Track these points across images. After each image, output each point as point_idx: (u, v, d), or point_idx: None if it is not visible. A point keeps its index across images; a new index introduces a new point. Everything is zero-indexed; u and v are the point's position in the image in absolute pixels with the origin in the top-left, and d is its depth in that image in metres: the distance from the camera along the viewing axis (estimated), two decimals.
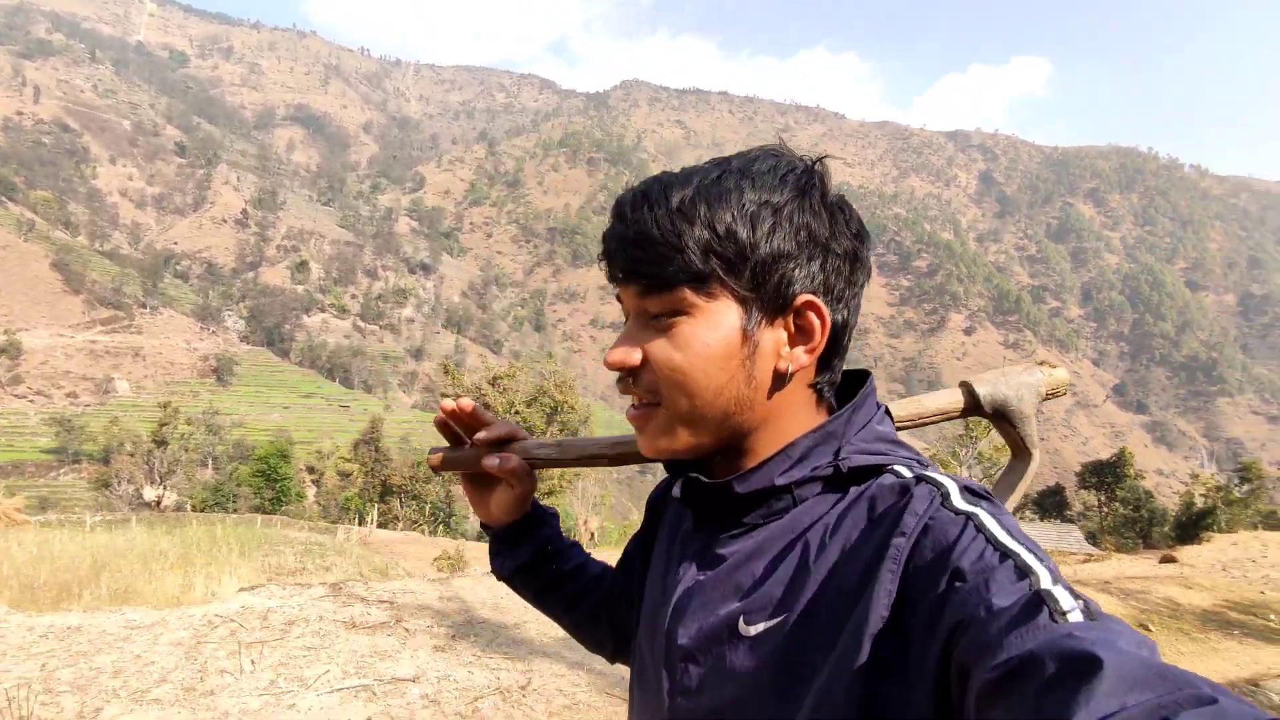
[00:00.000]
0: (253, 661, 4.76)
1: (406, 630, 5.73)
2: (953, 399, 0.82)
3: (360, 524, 31.58)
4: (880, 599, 0.50)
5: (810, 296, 0.59)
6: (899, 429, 0.70)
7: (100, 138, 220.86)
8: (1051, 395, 0.88)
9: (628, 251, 0.59)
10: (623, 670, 3.01)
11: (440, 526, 37.13)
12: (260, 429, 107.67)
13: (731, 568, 0.61)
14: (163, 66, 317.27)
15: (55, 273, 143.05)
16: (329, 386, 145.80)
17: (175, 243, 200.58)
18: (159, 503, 35.39)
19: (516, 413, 27.93)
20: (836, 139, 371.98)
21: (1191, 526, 27.14)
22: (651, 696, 0.66)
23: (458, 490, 39.84)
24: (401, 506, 39.58)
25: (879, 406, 0.65)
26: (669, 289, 0.58)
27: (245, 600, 6.51)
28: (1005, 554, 0.47)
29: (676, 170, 0.62)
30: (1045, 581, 0.44)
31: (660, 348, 0.60)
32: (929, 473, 0.57)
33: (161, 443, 37.53)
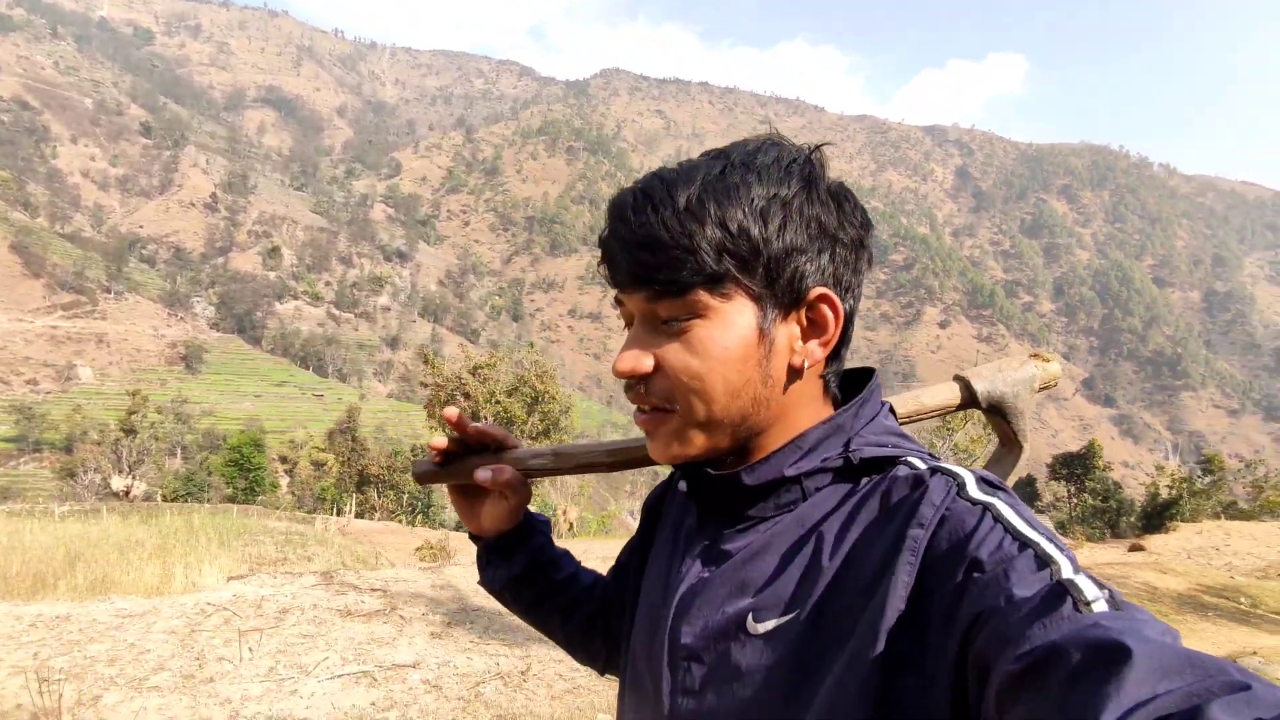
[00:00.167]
0: (250, 649, 4.73)
1: (402, 618, 5.72)
2: (950, 394, 0.83)
3: (337, 514, 31.29)
4: (897, 590, 0.49)
5: (823, 289, 0.59)
6: (900, 424, 0.68)
7: (61, 116, 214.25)
8: (1045, 389, 0.88)
9: (634, 255, 0.57)
10: None
11: (419, 516, 36.90)
12: (231, 418, 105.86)
13: (739, 563, 0.60)
14: (127, 44, 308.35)
15: (14, 255, 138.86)
16: (302, 375, 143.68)
17: (140, 226, 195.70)
18: (127, 492, 34.68)
19: (497, 402, 27.77)
20: (816, 132, 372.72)
21: (1157, 516, 27.91)
22: (648, 699, 0.64)
23: None
24: (379, 496, 39.26)
25: (883, 403, 0.64)
26: (682, 293, 0.56)
27: (237, 589, 6.46)
28: (1025, 544, 0.46)
29: (672, 165, 0.60)
30: (1067, 571, 0.44)
31: (676, 353, 0.58)
32: (944, 464, 0.57)
33: (130, 431, 36.74)
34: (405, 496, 39.45)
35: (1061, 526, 32.78)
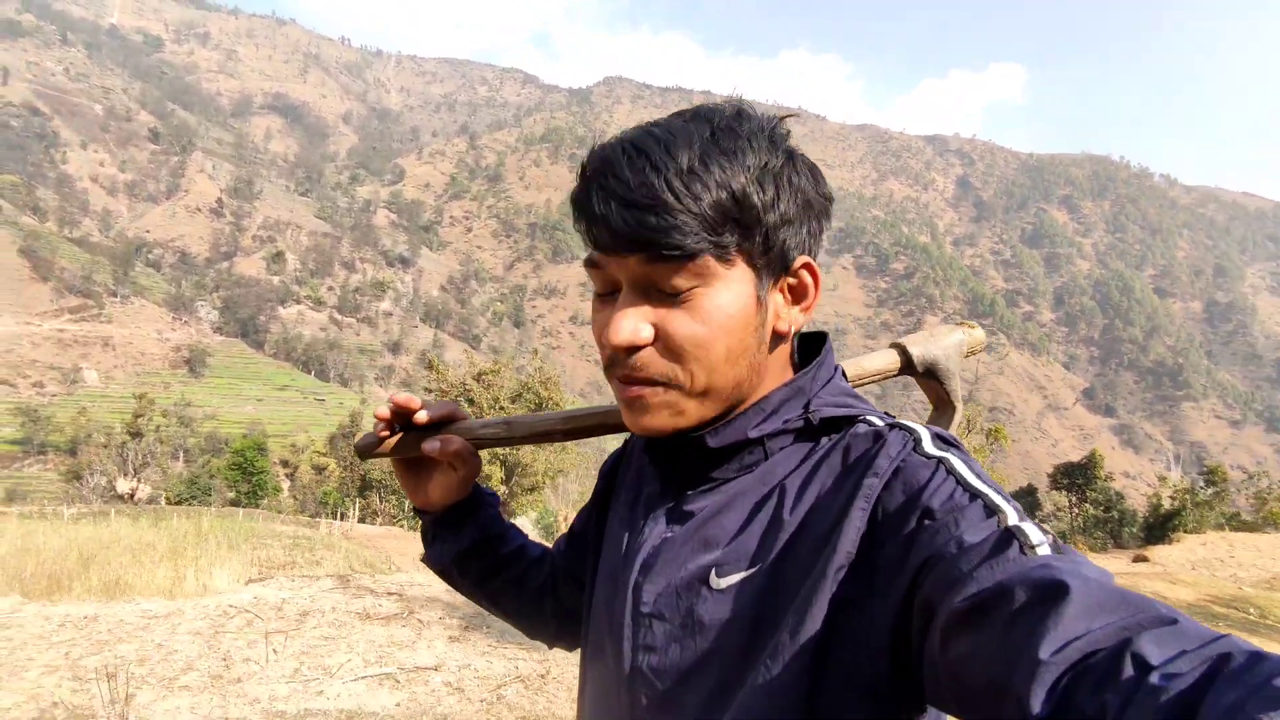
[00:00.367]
0: (275, 650, 4.83)
1: (420, 621, 5.82)
2: (889, 359, 0.86)
3: (341, 519, 31.37)
4: (849, 535, 0.52)
5: (807, 258, 0.60)
6: None
7: (71, 122, 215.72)
8: (971, 353, 0.93)
9: (634, 216, 0.53)
10: None
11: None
12: (233, 421, 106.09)
13: (701, 522, 0.61)
14: (137, 51, 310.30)
15: (22, 259, 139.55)
16: (304, 379, 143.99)
17: (147, 231, 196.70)
18: (132, 495, 34.82)
19: (501, 408, 27.88)
20: (818, 141, 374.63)
21: (1160, 528, 27.92)
22: (610, 659, 0.64)
23: None
24: (381, 501, 39.34)
25: (836, 365, 0.66)
26: (690, 258, 0.54)
27: (257, 591, 6.56)
28: (974, 494, 0.49)
29: (650, 126, 0.58)
30: (1013, 518, 0.46)
31: (680, 322, 0.56)
32: (901, 421, 0.59)
33: (136, 434, 36.89)
34: (408, 502, 39.51)
35: (1063, 536, 32.76)
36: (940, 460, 0.53)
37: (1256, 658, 0.31)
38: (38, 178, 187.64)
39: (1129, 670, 0.33)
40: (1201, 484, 33.32)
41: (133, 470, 35.31)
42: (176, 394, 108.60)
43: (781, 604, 0.53)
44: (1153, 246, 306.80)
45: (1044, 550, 0.43)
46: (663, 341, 0.57)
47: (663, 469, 0.66)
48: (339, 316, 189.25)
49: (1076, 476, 37.12)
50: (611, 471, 0.81)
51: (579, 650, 0.77)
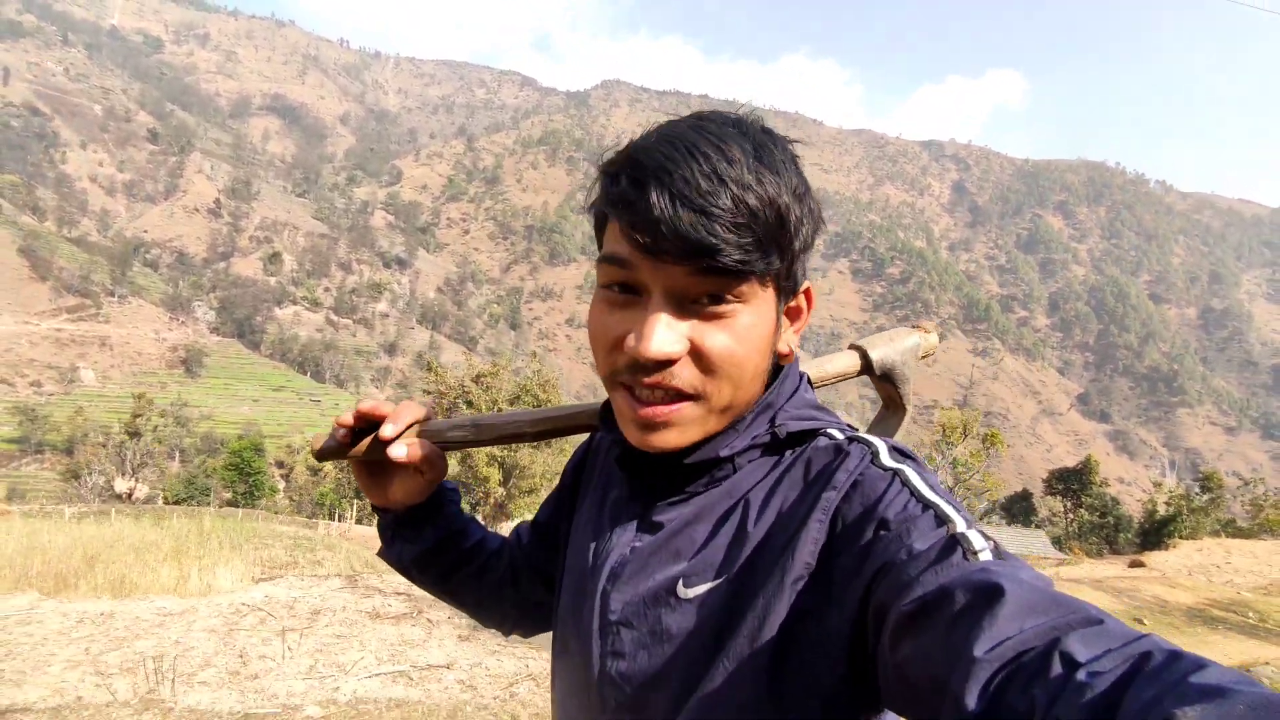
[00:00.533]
0: (290, 648, 4.91)
1: (429, 621, 5.91)
2: (850, 361, 0.87)
3: (338, 520, 31.40)
4: (806, 547, 0.54)
5: (808, 282, 0.62)
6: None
7: (71, 122, 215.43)
8: (925, 356, 0.95)
9: (704, 225, 0.51)
10: None
11: None
12: (229, 422, 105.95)
13: (670, 533, 0.62)
14: (137, 52, 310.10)
15: (21, 259, 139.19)
16: (300, 380, 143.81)
17: (145, 231, 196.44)
18: (130, 495, 34.78)
19: (500, 410, 28.01)
20: (815, 145, 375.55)
21: (1155, 533, 28.08)
22: (578, 663, 0.65)
23: None
24: None
25: (802, 375, 0.67)
26: (741, 276, 0.54)
27: (267, 590, 6.64)
28: (927, 505, 0.51)
29: (697, 128, 0.56)
30: (961, 526, 0.48)
31: (718, 339, 0.56)
32: (860, 434, 0.61)
33: (135, 434, 36.85)
34: None
35: (1058, 542, 32.86)
36: (896, 472, 0.54)
37: (1175, 656, 0.33)
38: (37, 177, 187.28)
39: (1057, 668, 0.35)
40: (1197, 490, 33.47)
41: (131, 470, 35.26)
42: (173, 394, 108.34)
43: (743, 613, 0.55)
44: (1148, 252, 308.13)
45: (985, 556, 0.46)
46: (697, 356, 0.56)
47: (631, 477, 0.67)
48: (335, 317, 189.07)
49: (1072, 482, 37.28)
50: (577, 468, 0.81)
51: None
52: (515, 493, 28.71)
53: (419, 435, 0.74)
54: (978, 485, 30.62)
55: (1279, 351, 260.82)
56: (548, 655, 6.18)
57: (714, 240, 0.52)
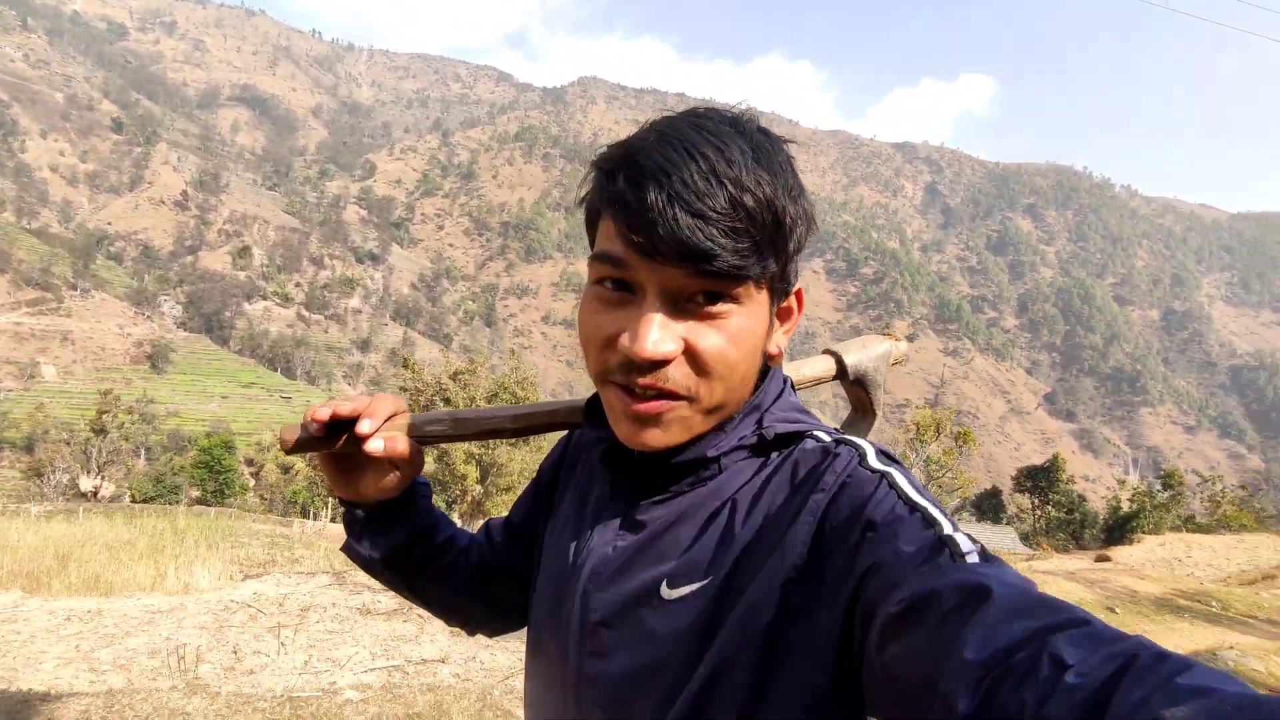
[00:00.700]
0: (283, 644, 4.91)
1: (420, 617, 5.93)
2: (825, 366, 0.89)
3: (313, 518, 31.04)
4: (795, 548, 0.54)
5: (799, 285, 0.62)
6: None
7: (31, 110, 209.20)
8: (896, 363, 0.96)
9: (702, 228, 0.51)
10: None
11: None
12: (196, 419, 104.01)
13: (654, 533, 0.61)
14: (100, 39, 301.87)
15: None
16: (270, 377, 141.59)
17: (109, 223, 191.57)
18: (96, 493, 34.00)
19: (477, 407, 27.90)
20: (790, 146, 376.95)
21: (1119, 529, 28.88)
22: (555, 663, 0.65)
23: None
24: None
25: (786, 378, 0.67)
26: (738, 279, 0.54)
27: (256, 587, 6.61)
28: (914, 508, 0.51)
29: (695, 127, 0.55)
30: (947, 529, 0.49)
31: (713, 340, 0.56)
32: (846, 437, 0.60)
33: (101, 431, 36.03)
34: None
35: (1026, 538, 33.61)
36: (883, 475, 0.54)
37: (1161, 657, 0.34)
38: None
39: (1046, 669, 0.35)
40: (1159, 487, 34.48)
41: (97, 468, 34.47)
42: (138, 390, 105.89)
43: (731, 615, 0.54)
44: (1113, 255, 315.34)
45: (972, 558, 0.46)
46: (690, 357, 0.56)
47: (615, 475, 0.66)
48: (307, 313, 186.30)
49: (1039, 479, 38.12)
50: (555, 466, 0.80)
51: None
52: (493, 490, 28.64)
53: (395, 429, 0.71)
54: (950, 483, 31.19)
55: (1236, 353, 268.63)
56: None
57: (711, 244, 0.51)
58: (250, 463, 68.53)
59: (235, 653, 4.68)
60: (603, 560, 0.63)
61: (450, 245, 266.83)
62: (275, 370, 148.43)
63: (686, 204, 0.51)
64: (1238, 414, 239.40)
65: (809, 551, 0.53)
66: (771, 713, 0.52)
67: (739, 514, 0.58)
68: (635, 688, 0.58)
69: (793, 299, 0.62)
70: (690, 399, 0.57)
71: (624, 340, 0.55)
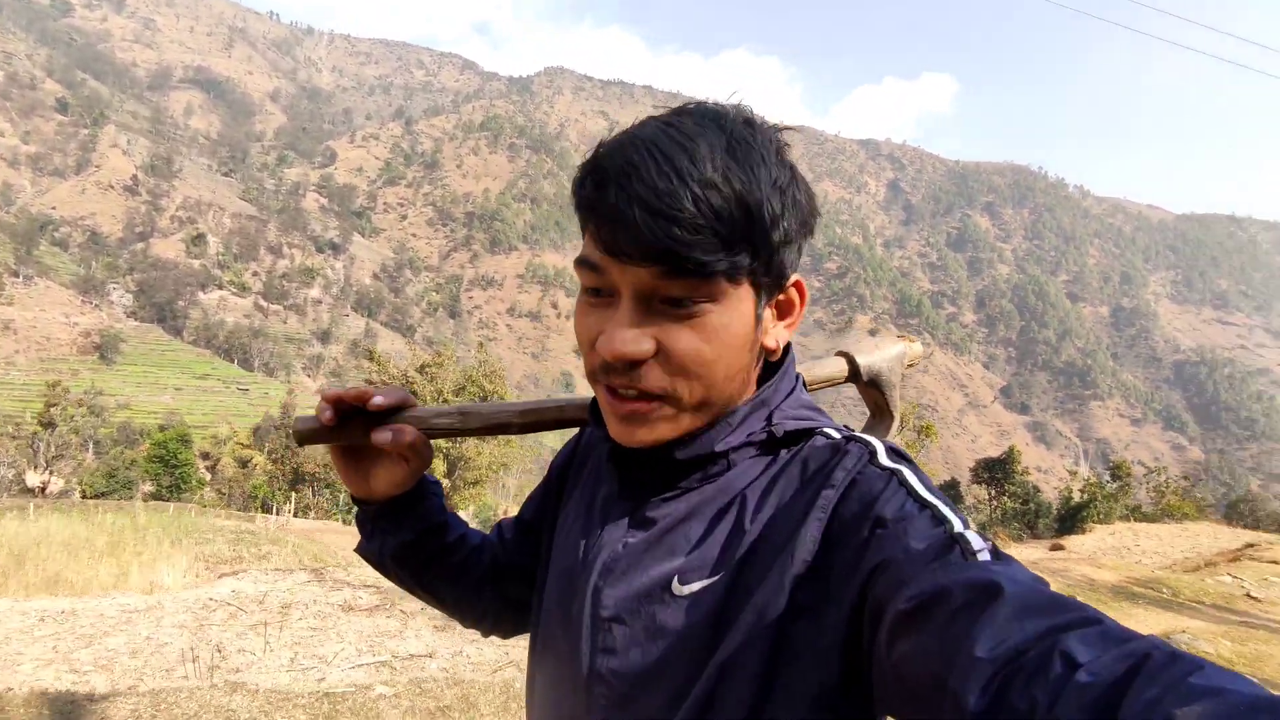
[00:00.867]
0: (268, 642, 4.88)
1: (403, 612, 5.93)
2: (838, 367, 0.89)
3: (271, 512, 30.45)
4: (805, 545, 0.53)
5: (797, 275, 0.61)
6: None
7: None
8: (910, 365, 0.96)
9: (662, 228, 0.51)
10: None
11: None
12: (149, 411, 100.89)
13: (664, 530, 0.61)
14: (43, 15, 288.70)
15: None
16: (226, 368, 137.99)
17: (53, 208, 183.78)
18: (44, 489, 32.84)
19: (445, 401, 27.59)
20: None
21: (1071, 519, 29.87)
22: (565, 660, 0.65)
23: None
24: (314, 495, 38.29)
25: (798, 376, 0.67)
26: (706, 277, 0.53)
27: (233, 585, 6.53)
28: (924, 505, 0.51)
29: (666, 126, 0.55)
30: (958, 527, 0.49)
31: (685, 339, 0.55)
32: (857, 434, 0.60)
33: (49, 424, 34.75)
34: (342, 496, 38.63)
35: (983, 528, 34.61)
36: (893, 472, 0.54)
37: (1174, 657, 0.33)
38: None
39: (1058, 668, 0.35)
40: (1108, 478, 35.70)
41: (45, 463, 33.26)
42: (86, 381, 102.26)
43: (739, 611, 0.54)
44: (1066, 253, 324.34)
45: (984, 556, 0.46)
46: (664, 356, 0.56)
47: (622, 472, 0.66)
48: (265, 303, 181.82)
49: (996, 471, 39.17)
50: (564, 465, 0.80)
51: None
52: (460, 484, 28.43)
53: (402, 420, 0.71)
54: None
55: (1179, 349, 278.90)
56: (525, 642, 6.26)
57: (671, 242, 0.51)
58: (206, 456, 66.82)
59: (220, 651, 4.64)
60: (613, 557, 0.63)
61: (414, 235, 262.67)
62: (232, 361, 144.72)
63: (645, 204, 0.51)
64: (1180, 407, 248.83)
65: (818, 549, 0.53)
66: (780, 710, 0.52)
67: (748, 510, 0.58)
68: (647, 683, 0.58)
69: (792, 291, 0.61)
70: (668, 398, 0.57)
71: (600, 342, 0.57)
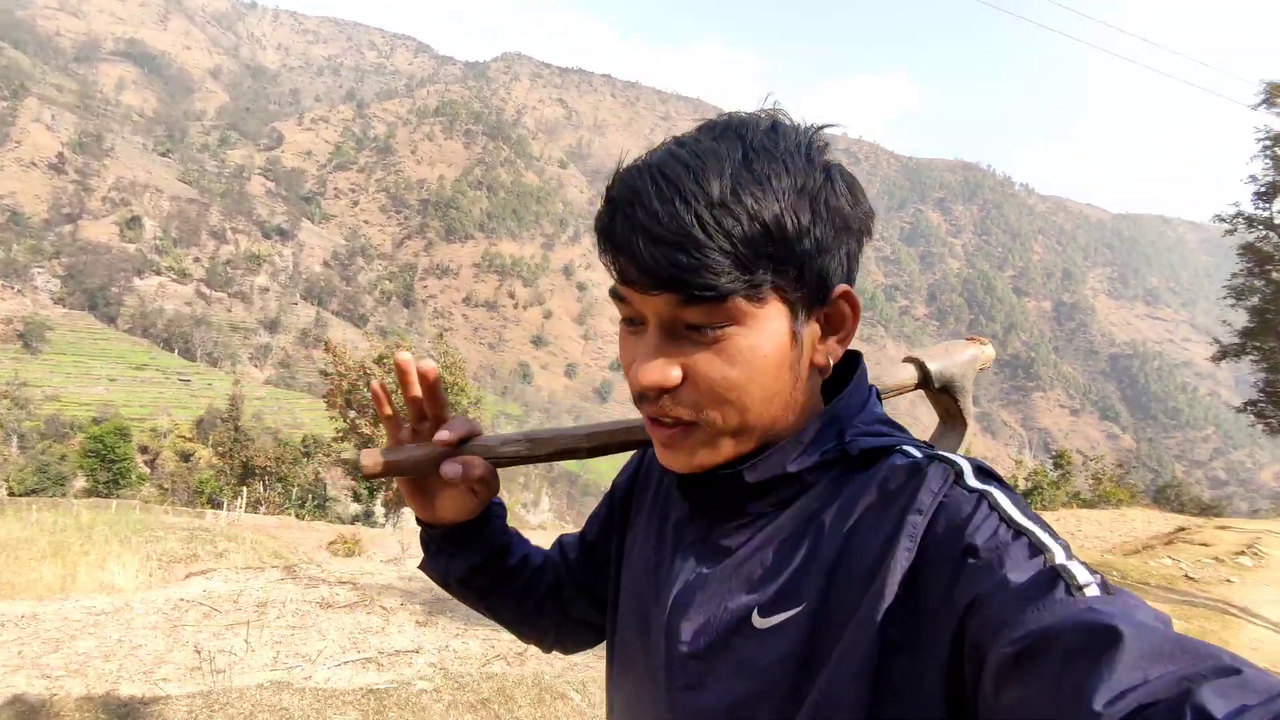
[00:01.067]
0: (247, 641, 4.75)
1: (384, 608, 5.83)
2: (907, 374, 0.86)
3: (220, 508, 29.53)
4: (895, 576, 0.49)
5: (845, 286, 0.57)
6: None
7: None
8: (982, 369, 0.92)
9: (665, 255, 0.50)
10: None
11: (315, 509, 35.32)
12: (80, 403, 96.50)
13: (740, 560, 0.58)
14: None
15: None
16: (165, 358, 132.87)
17: None
18: None
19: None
20: None
21: None
22: (644, 690, 0.63)
23: (333, 473, 38.02)
24: (265, 489, 37.24)
25: (871, 387, 0.63)
26: (721, 300, 0.51)
27: (203, 584, 6.32)
28: (1019, 531, 0.47)
29: (671, 143, 0.54)
30: (1060, 557, 0.44)
31: (710, 364, 0.53)
32: (940, 452, 0.56)
33: None
34: (295, 490, 37.67)
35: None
36: (983, 494, 0.50)
37: None
38: None
39: None
40: (1051, 466, 37.11)
41: None
42: (9, 371, 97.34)
43: (828, 645, 0.51)
44: (1013, 249, 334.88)
45: (1092, 591, 0.42)
46: (692, 383, 0.54)
47: (693, 497, 0.63)
48: (207, 290, 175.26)
49: None
50: (629, 484, 0.78)
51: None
52: None
53: (470, 451, 0.71)
54: None
55: (1115, 342, 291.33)
56: (510, 635, 6.26)
57: (675, 270, 0.50)
58: (145, 450, 64.35)
59: (198, 652, 4.50)
60: (686, 587, 0.61)
61: (366, 222, 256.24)
62: (172, 351, 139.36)
63: (648, 232, 0.50)
64: (1115, 398, 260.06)
65: (905, 579, 0.49)
66: None
67: (825, 536, 0.55)
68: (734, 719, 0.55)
69: (840, 303, 0.57)
70: (701, 424, 0.56)
71: (632, 371, 0.56)
